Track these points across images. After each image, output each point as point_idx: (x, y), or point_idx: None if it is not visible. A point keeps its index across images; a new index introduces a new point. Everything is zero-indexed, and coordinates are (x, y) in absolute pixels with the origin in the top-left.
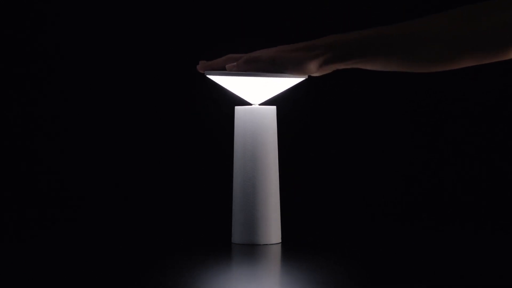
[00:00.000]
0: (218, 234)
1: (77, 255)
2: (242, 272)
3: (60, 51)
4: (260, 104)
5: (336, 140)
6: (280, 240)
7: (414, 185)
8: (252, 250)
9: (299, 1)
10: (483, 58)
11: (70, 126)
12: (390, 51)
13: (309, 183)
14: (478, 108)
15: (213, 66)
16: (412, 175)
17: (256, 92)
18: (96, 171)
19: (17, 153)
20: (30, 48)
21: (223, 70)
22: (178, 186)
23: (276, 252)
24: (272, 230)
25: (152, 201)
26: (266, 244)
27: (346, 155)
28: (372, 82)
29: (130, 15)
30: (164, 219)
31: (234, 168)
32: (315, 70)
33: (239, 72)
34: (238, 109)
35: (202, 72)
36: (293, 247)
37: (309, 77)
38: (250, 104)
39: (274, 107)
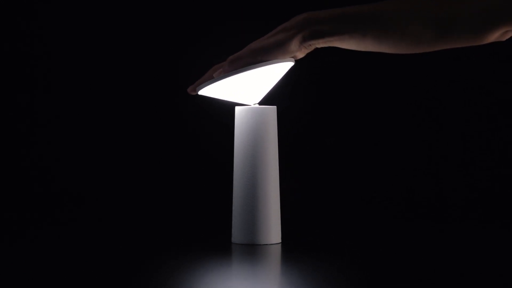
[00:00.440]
0: (218, 234)
1: (78, 255)
2: (242, 272)
3: (61, 51)
4: (260, 104)
5: (337, 140)
6: (280, 240)
7: (414, 185)
8: (252, 250)
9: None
10: (461, 41)
11: (69, 126)
12: (365, 28)
13: (309, 183)
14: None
15: (202, 82)
16: (412, 174)
17: (251, 92)
18: (96, 171)
19: (15, 154)
20: (30, 49)
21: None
22: (178, 186)
23: (276, 252)
24: (272, 230)
25: (153, 201)
26: (266, 244)
27: (346, 155)
28: (373, 82)
29: (129, 15)
30: (165, 219)
31: (234, 168)
32: (296, 49)
33: (226, 74)
34: (238, 109)
35: (194, 93)
36: (293, 247)
37: (297, 62)
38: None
39: (274, 107)
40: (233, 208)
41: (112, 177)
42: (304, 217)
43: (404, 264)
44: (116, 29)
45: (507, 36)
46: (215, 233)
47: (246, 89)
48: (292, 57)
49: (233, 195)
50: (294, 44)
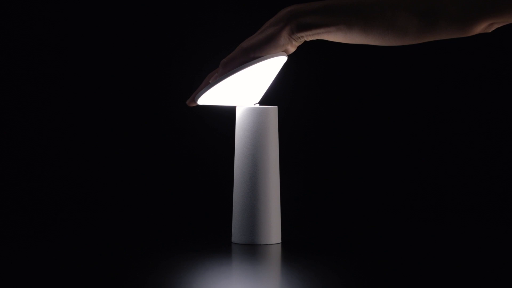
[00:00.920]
0: (218, 234)
1: (78, 255)
2: (242, 272)
3: (60, 52)
4: (261, 104)
5: (337, 140)
6: (280, 240)
7: (415, 185)
8: (252, 250)
9: None
10: (447, 33)
11: (69, 126)
12: (351, 20)
13: (309, 183)
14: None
15: (199, 91)
16: (413, 175)
17: (249, 92)
18: (96, 171)
19: (14, 154)
20: (33, 49)
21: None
22: (178, 186)
23: (276, 252)
24: (272, 230)
25: (153, 201)
26: (266, 244)
27: (346, 155)
28: (373, 82)
29: (129, 15)
30: (165, 219)
31: (234, 168)
32: (286, 42)
33: (222, 77)
34: (239, 109)
35: (193, 104)
36: (293, 247)
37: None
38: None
39: (275, 107)
40: (233, 208)
41: (112, 177)
42: (304, 217)
43: (404, 265)
44: (115, 29)
45: (493, 28)
46: (215, 233)
47: (244, 90)
48: (284, 51)
49: (233, 195)
50: (284, 38)
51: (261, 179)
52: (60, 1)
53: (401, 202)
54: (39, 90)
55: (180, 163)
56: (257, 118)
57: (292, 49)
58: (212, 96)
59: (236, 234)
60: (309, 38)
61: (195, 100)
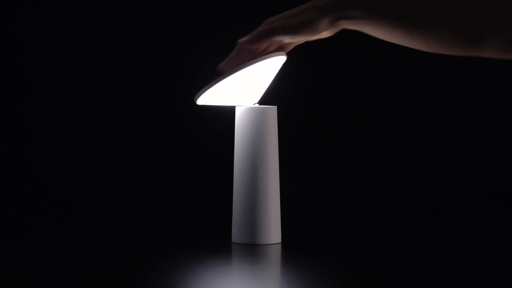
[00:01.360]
0: (218, 234)
1: (78, 255)
2: (242, 272)
3: (58, 53)
4: (260, 104)
5: (337, 140)
6: (280, 240)
7: (416, 185)
8: (252, 250)
9: None
10: (494, 52)
11: (69, 126)
12: (397, 15)
13: (309, 183)
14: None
15: (229, 59)
16: (414, 175)
17: (248, 92)
18: (96, 171)
19: (13, 154)
20: (28, 49)
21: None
22: (178, 186)
23: (276, 252)
24: (272, 230)
25: (153, 201)
26: (266, 244)
27: (346, 155)
28: (373, 82)
29: (129, 15)
30: (165, 219)
31: (234, 168)
32: (325, 28)
33: (222, 76)
34: (238, 109)
35: (226, 69)
36: (293, 247)
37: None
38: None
39: (274, 107)
40: (233, 208)
41: (112, 177)
42: (304, 217)
43: (404, 265)
44: (115, 29)
45: None
46: (215, 233)
47: (244, 90)
48: (319, 36)
49: (233, 195)
50: (324, 24)
51: (261, 179)
52: (60, 1)
53: (401, 202)
54: (38, 90)
55: (180, 163)
56: (257, 118)
57: (327, 35)
58: (212, 96)
59: (236, 234)
60: (349, 28)
61: (194, 98)
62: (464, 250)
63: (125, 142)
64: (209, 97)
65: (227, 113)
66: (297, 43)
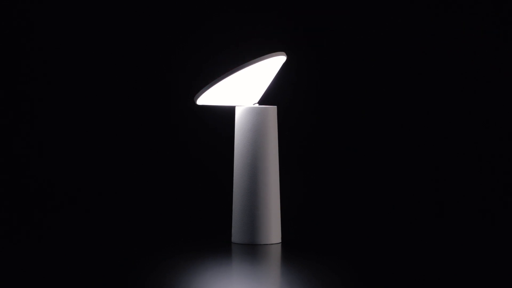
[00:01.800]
0: (218, 234)
1: (78, 255)
2: (242, 272)
3: (60, 52)
4: (260, 104)
5: (337, 139)
6: (280, 240)
7: (416, 185)
8: (252, 250)
9: None
10: None
11: (69, 126)
12: None
13: (309, 183)
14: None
15: None
16: (414, 175)
17: (248, 92)
18: (96, 171)
19: (12, 154)
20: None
21: None
22: (178, 186)
23: (276, 252)
24: (272, 230)
25: (153, 201)
26: (266, 244)
27: (346, 155)
28: (373, 82)
29: (129, 15)
30: (165, 219)
31: (234, 168)
32: None
33: (221, 77)
34: (238, 109)
35: None
36: (293, 247)
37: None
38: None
39: (274, 107)
40: (233, 208)
41: (112, 177)
42: (304, 217)
43: (404, 264)
44: (114, 29)
45: None
46: (215, 233)
47: (243, 90)
48: None
49: (233, 195)
50: None
51: (261, 179)
52: (60, 1)
53: (401, 202)
54: (38, 90)
55: (180, 163)
56: (257, 118)
57: None
58: (212, 96)
59: (236, 234)
60: None
61: (194, 98)
62: (464, 250)
63: (125, 142)
64: (209, 97)
65: (227, 113)
66: None
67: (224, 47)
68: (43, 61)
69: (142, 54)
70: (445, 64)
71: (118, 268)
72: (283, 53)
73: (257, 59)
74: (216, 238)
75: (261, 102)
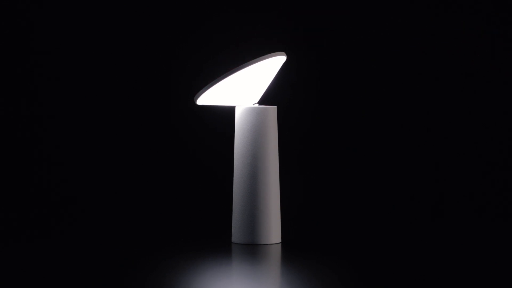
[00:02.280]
0: (218, 234)
1: (78, 255)
2: (242, 272)
3: (60, 52)
4: (260, 104)
5: (336, 139)
6: (280, 240)
7: (416, 185)
8: (252, 250)
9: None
10: None
11: (69, 126)
12: None
13: (309, 183)
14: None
15: None
16: (414, 175)
17: (248, 92)
18: (96, 171)
19: (11, 154)
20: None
21: None
22: (178, 186)
23: (276, 252)
24: (272, 230)
25: (153, 201)
26: (266, 244)
27: (346, 155)
28: (373, 82)
29: (129, 15)
30: (164, 219)
31: (234, 168)
32: None
33: (221, 77)
34: (238, 109)
35: None
36: (293, 247)
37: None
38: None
39: (274, 107)
40: (233, 208)
41: (112, 177)
42: (304, 217)
43: (404, 264)
44: (114, 29)
45: None
46: (215, 233)
47: (243, 90)
48: None
49: (233, 195)
50: None
51: (261, 179)
52: (60, 1)
53: (401, 202)
54: (38, 90)
55: (179, 163)
56: (257, 118)
57: None
58: (212, 96)
59: (236, 234)
60: None
61: (194, 98)
62: (464, 250)
63: (125, 142)
64: (209, 97)
65: (227, 113)
66: None
67: (224, 47)
68: (44, 61)
69: (142, 54)
70: (445, 64)
71: (118, 268)
72: (283, 53)
73: (257, 59)
74: (216, 238)
75: (261, 102)
